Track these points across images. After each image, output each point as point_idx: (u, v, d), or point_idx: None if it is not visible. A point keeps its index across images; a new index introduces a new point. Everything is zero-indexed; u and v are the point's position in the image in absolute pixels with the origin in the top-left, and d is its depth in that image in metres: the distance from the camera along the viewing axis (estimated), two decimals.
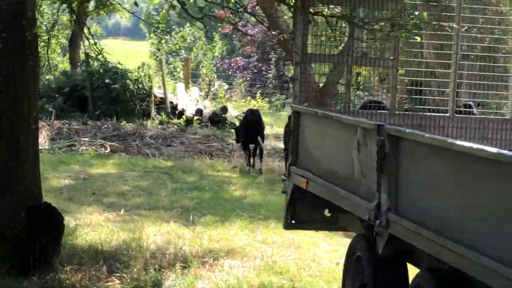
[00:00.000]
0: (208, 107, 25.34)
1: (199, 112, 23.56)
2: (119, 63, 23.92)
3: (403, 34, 7.71)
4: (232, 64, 38.26)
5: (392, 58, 8.06)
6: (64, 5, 20.22)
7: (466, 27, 9.61)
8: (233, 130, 21.48)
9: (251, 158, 15.14)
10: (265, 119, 25.25)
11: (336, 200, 6.40)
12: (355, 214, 5.99)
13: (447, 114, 8.40)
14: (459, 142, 4.43)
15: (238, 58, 39.05)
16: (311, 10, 7.68)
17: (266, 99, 32.82)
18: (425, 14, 8.25)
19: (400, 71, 8.71)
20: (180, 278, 7.75)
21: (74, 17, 17.08)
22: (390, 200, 5.26)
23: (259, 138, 14.80)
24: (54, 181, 12.78)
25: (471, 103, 21.73)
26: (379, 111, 8.30)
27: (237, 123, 18.60)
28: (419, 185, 4.99)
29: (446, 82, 8.77)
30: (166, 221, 10.27)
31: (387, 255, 5.42)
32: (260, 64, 38.04)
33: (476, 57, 8.96)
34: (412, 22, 7.60)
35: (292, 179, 7.55)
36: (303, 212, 7.75)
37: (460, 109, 15.18)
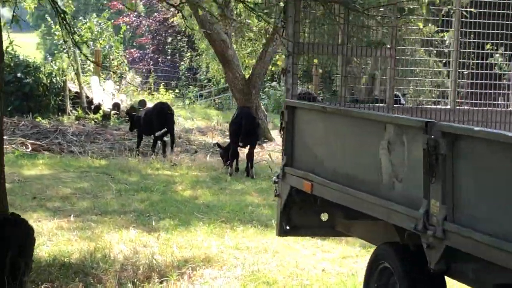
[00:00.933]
0: (125, 101, 24.40)
1: (116, 106, 22.63)
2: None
3: (412, 20, 7.18)
4: (127, 56, 37.18)
5: (389, 46, 7.50)
6: None
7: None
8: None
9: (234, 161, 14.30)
10: (181, 112, 24.58)
11: (356, 205, 5.79)
12: (389, 221, 5.41)
13: (448, 106, 7.92)
14: None
15: (132, 50, 37.97)
16: None
17: (175, 91, 31.95)
18: None
19: None
20: None
21: None
22: (445, 208, 4.70)
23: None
24: None
25: (397, 93, 21.65)
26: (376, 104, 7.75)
27: (139, 113, 17.65)
28: (484, 190, 4.45)
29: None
30: (124, 227, 9.47)
31: (441, 270, 4.86)
32: (156, 56, 37.22)
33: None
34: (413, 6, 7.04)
35: (288, 181, 6.92)
36: (297, 217, 7.14)
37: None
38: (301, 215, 7.11)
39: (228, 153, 14.67)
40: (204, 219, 10.19)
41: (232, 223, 9.97)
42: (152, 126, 16.41)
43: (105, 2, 45.98)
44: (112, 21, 33.19)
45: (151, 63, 36.77)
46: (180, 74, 34.87)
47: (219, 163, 14.93)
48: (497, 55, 8.90)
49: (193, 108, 27.95)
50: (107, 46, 32.53)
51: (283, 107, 7.06)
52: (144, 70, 36.03)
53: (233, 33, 22.46)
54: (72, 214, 10.09)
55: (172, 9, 32.66)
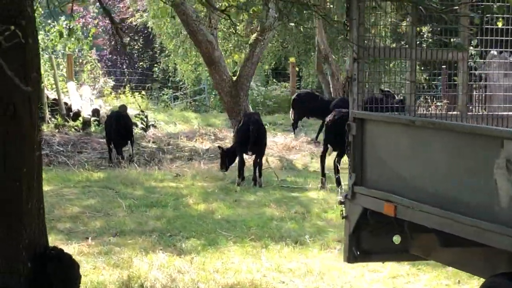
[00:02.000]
0: (103, 107, 23.55)
1: (96, 112, 21.73)
2: None
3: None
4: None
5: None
6: None
7: None
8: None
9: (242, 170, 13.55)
10: (159, 116, 23.77)
11: (460, 231, 5.13)
12: (510, 250, 4.76)
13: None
14: None
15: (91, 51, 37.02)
16: None
17: (148, 94, 31.04)
18: None
19: None
20: None
21: None
22: None
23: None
24: None
25: (389, 90, 21.02)
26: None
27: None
28: None
29: None
30: (151, 250, 8.73)
31: None
32: (114, 57, 36.38)
33: None
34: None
35: (359, 202, 6.25)
36: (368, 240, 6.48)
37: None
38: (371, 238, 6.46)
39: (227, 158, 13.97)
40: (231, 237, 9.48)
41: (262, 241, 9.27)
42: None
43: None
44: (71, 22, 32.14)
45: (109, 64, 35.89)
46: (154, 76, 34.03)
47: (225, 173, 14.19)
48: None
49: (170, 111, 27.09)
50: (76, 50, 31.59)
51: (350, 119, 6.39)
52: (118, 74, 35.12)
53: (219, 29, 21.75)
54: (89, 237, 9.32)
55: (131, 8, 32.12)
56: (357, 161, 6.30)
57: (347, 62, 30.90)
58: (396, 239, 6.44)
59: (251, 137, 12.90)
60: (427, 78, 16.63)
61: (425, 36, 17.05)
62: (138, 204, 11.39)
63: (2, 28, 5.58)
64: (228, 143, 19.79)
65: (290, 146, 19.08)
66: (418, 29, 6.64)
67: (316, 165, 16.51)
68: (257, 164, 13.36)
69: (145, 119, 20.95)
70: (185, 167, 15.85)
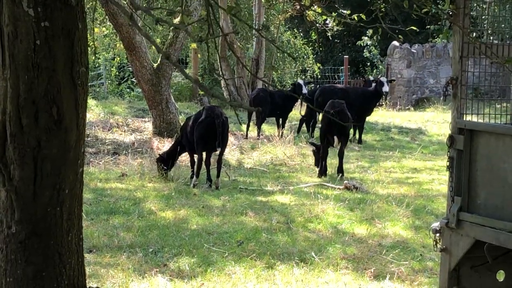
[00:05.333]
0: None
1: None
2: None
3: None
4: None
5: None
6: None
7: None
8: None
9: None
10: None
11: None
12: None
13: None
14: None
15: None
16: None
17: None
18: None
19: None
20: None
21: None
22: None
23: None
24: None
25: (300, 81, 20.10)
26: None
27: None
28: None
29: None
30: (145, 272, 7.37)
31: None
32: None
33: None
34: None
35: (468, 233, 5.15)
36: (468, 277, 5.40)
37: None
38: (473, 275, 5.38)
39: (168, 159, 12.66)
40: (225, 253, 8.20)
41: (264, 259, 8.04)
42: None
43: None
44: None
45: None
46: None
47: (176, 174, 12.81)
48: None
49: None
50: None
51: (453, 130, 5.29)
52: None
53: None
54: None
55: None
56: (462, 182, 5.19)
57: (251, 50, 30.06)
58: (500, 275, 5.40)
59: (218, 132, 11.59)
60: None
61: None
62: (95, 210, 9.91)
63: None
64: (146, 135, 18.40)
65: None
66: None
67: (249, 161, 15.42)
68: (218, 162, 12.08)
69: None
70: (115, 163, 14.44)
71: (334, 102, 13.15)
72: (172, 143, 13.54)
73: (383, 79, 18.92)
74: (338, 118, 12.02)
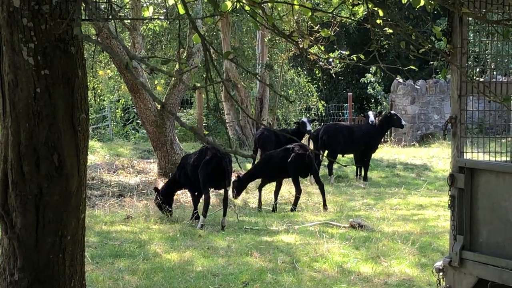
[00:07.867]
0: None
1: None
2: None
3: None
4: None
5: None
6: None
7: None
8: None
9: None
10: None
11: None
12: None
13: None
14: None
15: None
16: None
17: None
18: None
19: None
20: None
21: None
22: None
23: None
24: None
25: (304, 119, 20.27)
26: None
27: None
28: None
29: None
30: None
31: None
32: None
33: None
34: None
35: (471, 271, 5.14)
36: None
37: None
38: None
39: (167, 199, 12.72)
40: None
41: None
42: None
43: None
44: None
45: None
46: None
47: (180, 215, 12.83)
48: None
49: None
50: None
51: (453, 169, 5.30)
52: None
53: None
54: None
55: None
56: (464, 221, 5.19)
57: (255, 90, 30.16)
58: None
59: (226, 171, 11.64)
60: None
61: None
62: (101, 254, 9.90)
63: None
64: (152, 176, 18.44)
65: None
66: None
67: (254, 200, 15.41)
68: (226, 201, 12.12)
69: None
70: (120, 205, 14.46)
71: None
72: (166, 182, 13.65)
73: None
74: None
